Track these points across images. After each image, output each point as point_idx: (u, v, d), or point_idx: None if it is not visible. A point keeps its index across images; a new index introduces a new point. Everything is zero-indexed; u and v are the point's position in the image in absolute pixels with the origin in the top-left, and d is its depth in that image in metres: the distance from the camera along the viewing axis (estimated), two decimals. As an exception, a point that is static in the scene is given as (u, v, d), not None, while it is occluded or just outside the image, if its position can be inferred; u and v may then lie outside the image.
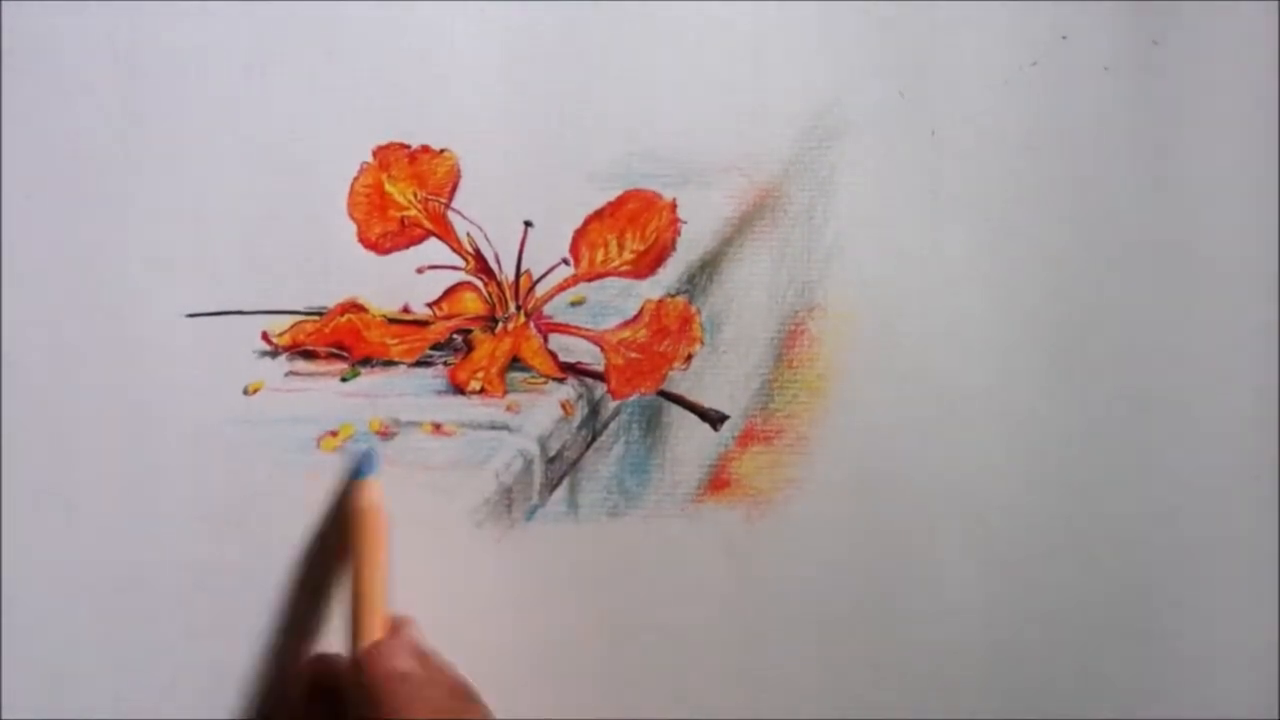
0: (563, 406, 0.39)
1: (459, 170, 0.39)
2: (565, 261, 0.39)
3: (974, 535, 0.41)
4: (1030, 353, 0.41)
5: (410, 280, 0.39)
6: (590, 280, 0.40)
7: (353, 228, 0.39)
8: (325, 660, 0.37)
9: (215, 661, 0.38)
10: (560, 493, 0.40)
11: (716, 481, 0.40)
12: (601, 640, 0.40)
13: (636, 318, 0.40)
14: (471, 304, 0.39)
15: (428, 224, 0.39)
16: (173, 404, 0.38)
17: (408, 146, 0.39)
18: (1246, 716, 0.42)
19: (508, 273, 0.39)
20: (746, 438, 0.40)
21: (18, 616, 0.38)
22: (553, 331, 0.40)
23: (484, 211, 0.39)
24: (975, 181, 0.40)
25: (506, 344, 0.39)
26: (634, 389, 0.40)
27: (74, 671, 0.38)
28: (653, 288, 0.40)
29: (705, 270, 0.40)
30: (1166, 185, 0.41)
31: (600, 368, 0.40)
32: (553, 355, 0.40)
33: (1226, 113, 0.41)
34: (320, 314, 0.38)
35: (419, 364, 0.39)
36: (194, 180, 0.38)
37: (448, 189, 0.39)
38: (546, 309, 0.40)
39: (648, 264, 0.40)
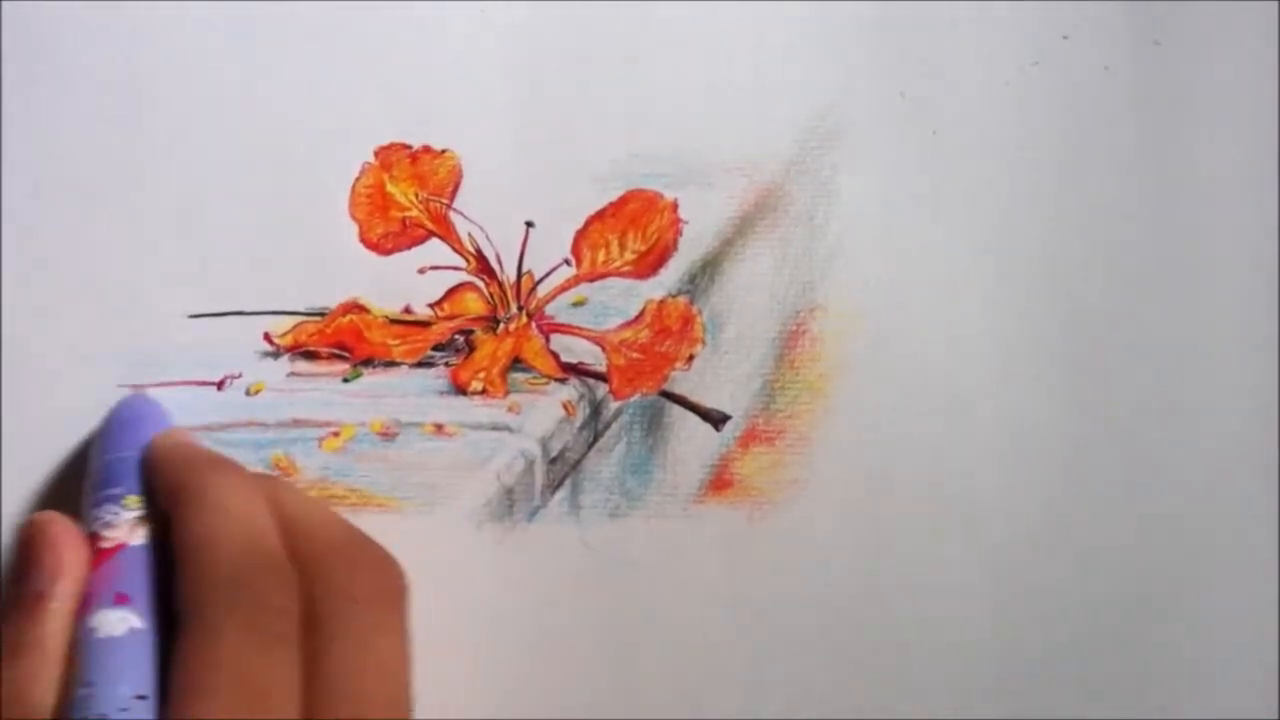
0: (564, 407, 0.39)
1: (460, 171, 0.39)
2: (567, 262, 0.39)
3: (976, 536, 0.41)
4: (1032, 353, 0.41)
5: (412, 281, 0.39)
6: (592, 280, 0.40)
7: (354, 228, 0.39)
8: None
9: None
10: (562, 493, 0.39)
11: (718, 482, 0.40)
12: (602, 640, 0.40)
13: (638, 318, 0.40)
14: (473, 304, 0.39)
15: (429, 224, 0.39)
16: (175, 405, 0.38)
17: (409, 147, 0.39)
18: (1246, 717, 0.42)
19: (509, 273, 0.39)
20: (748, 438, 0.40)
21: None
22: (554, 332, 0.40)
23: (485, 212, 0.39)
24: (977, 181, 0.40)
25: (508, 344, 0.39)
26: (636, 389, 0.40)
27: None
28: (654, 288, 0.40)
29: (707, 271, 0.40)
30: (1167, 185, 0.41)
31: (602, 368, 0.40)
32: (554, 356, 0.40)
33: (1227, 113, 0.41)
34: (322, 315, 0.38)
35: (420, 364, 0.39)
36: (195, 181, 0.38)
37: (449, 189, 0.39)
38: (548, 309, 0.40)
39: (649, 264, 0.40)
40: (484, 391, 0.39)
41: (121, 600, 0.32)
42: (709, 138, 0.40)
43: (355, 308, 0.39)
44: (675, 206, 0.40)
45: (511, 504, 0.39)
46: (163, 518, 0.33)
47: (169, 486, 0.33)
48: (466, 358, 0.39)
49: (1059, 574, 0.41)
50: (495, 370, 0.39)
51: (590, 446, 0.40)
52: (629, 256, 0.40)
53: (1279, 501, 0.41)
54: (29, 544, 0.32)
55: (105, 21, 0.37)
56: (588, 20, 0.39)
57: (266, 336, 0.38)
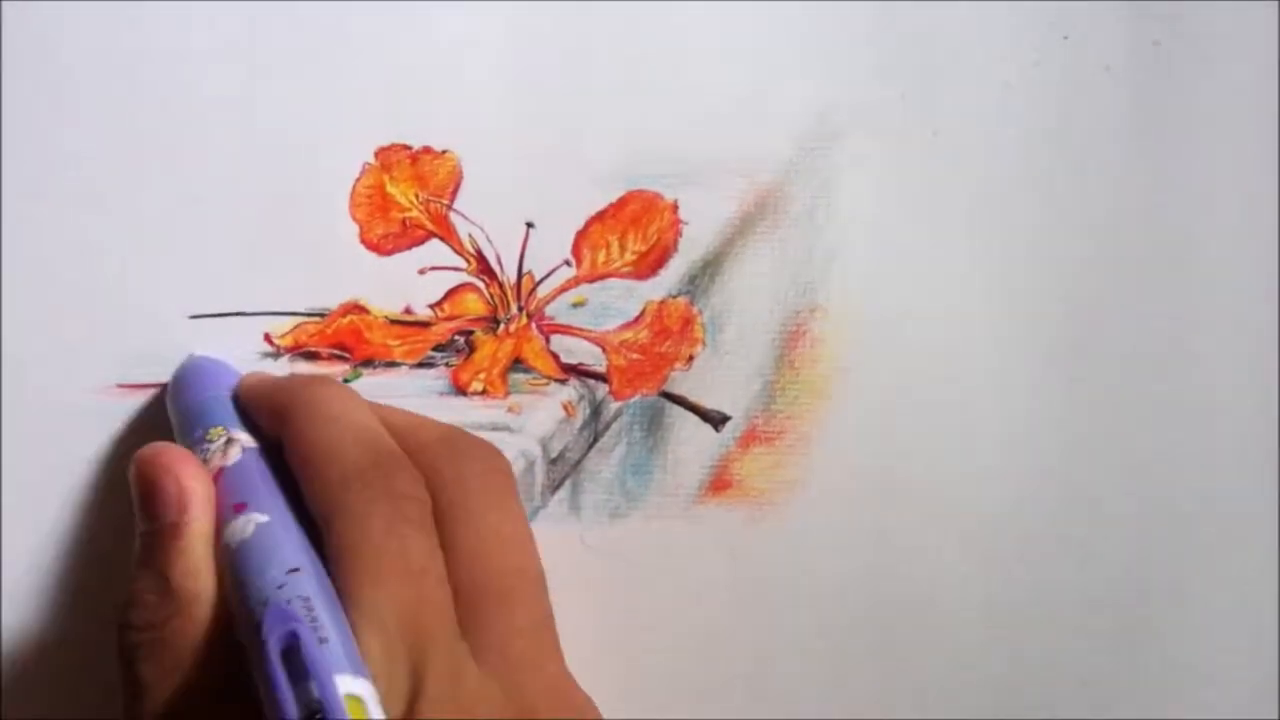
0: (564, 408, 0.39)
1: (461, 171, 0.39)
2: (567, 263, 0.39)
3: (976, 536, 0.41)
4: (1032, 354, 0.41)
5: (412, 281, 0.39)
6: (592, 281, 0.40)
7: (354, 229, 0.39)
8: None
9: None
10: (562, 494, 0.40)
11: (718, 483, 0.40)
12: (602, 640, 0.40)
13: (638, 319, 0.40)
14: (473, 305, 0.39)
15: (429, 225, 0.39)
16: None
17: (409, 147, 0.39)
18: (1246, 717, 0.42)
19: (509, 274, 0.39)
20: (748, 439, 0.40)
21: (18, 617, 0.38)
22: (554, 333, 0.40)
23: (486, 213, 0.39)
24: (977, 182, 0.40)
25: (508, 345, 0.39)
26: (636, 390, 0.40)
27: (74, 672, 0.38)
28: (654, 289, 0.40)
29: (707, 271, 0.40)
30: (1167, 185, 0.41)
31: (602, 369, 0.40)
32: (554, 356, 0.40)
33: (1227, 113, 0.41)
34: (322, 315, 0.38)
35: (421, 365, 0.39)
36: (195, 181, 0.38)
37: (449, 190, 0.39)
38: (548, 310, 0.40)
39: (649, 265, 0.40)
40: (484, 392, 0.39)
41: (240, 508, 0.31)
42: (709, 138, 0.40)
43: (355, 308, 0.39)
44: (675, 207, 0.40)
45: (512, 504, 0.39)
46: (266, 445, 0.34)
47: (276, 410, 0.34)
48: (467, 358, 0.39)
49: (1059, 574, 0.41)
50: (495, 371, 0.39)
51: (590, 447, 0.40)
52: (629, 257, 0.40)
53: (1279, 501, 0.41)
54: (146, 480, 0.32)
55: (105, 21, 0.37)
56: (588, 21, 0.39)
57: (267, 337, 0.38)
